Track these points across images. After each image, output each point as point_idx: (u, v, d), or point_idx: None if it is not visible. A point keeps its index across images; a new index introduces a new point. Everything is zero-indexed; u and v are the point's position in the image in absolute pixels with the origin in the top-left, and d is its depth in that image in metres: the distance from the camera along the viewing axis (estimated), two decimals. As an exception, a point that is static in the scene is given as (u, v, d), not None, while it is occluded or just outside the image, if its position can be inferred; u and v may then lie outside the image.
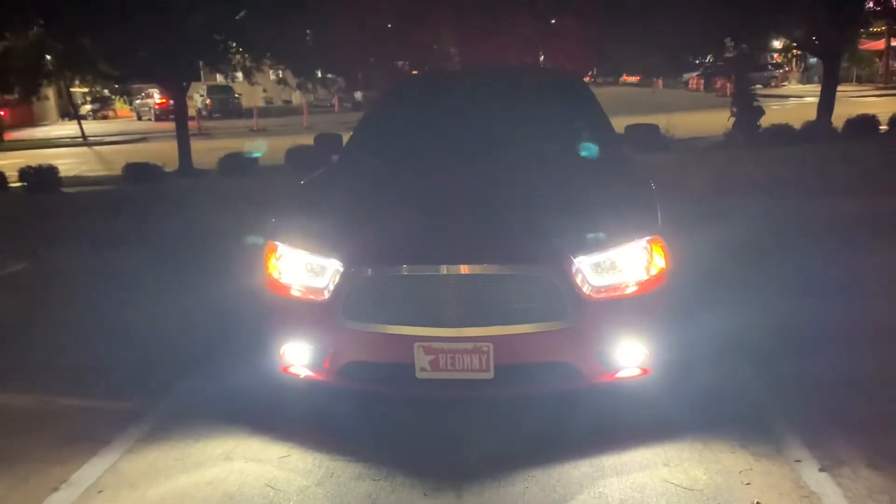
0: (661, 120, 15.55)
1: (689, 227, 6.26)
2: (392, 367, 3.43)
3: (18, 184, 13.49)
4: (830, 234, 6.93)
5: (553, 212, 3.61)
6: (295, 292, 3.57)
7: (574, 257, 3.33)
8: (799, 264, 5.99)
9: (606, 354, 3.41)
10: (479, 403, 3.67)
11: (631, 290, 3.43)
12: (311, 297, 3.50)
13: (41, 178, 13.28)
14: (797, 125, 14.58)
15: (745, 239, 6.57)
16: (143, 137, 27.96)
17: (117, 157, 18.14)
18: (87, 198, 12.26)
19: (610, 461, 3.24)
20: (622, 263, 3.44)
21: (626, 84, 50.87)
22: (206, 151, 15.86)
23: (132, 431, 3.66)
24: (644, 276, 3.45)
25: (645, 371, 3.48)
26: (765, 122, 15.28)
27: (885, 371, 4.01)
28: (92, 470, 3.33)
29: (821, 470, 3.11)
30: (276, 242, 3.64)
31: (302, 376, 3.62)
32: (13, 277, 6.89)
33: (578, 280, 3.32)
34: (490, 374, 3.32)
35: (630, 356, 3.43)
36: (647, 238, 3.47)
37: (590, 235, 3.43)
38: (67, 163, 18.68)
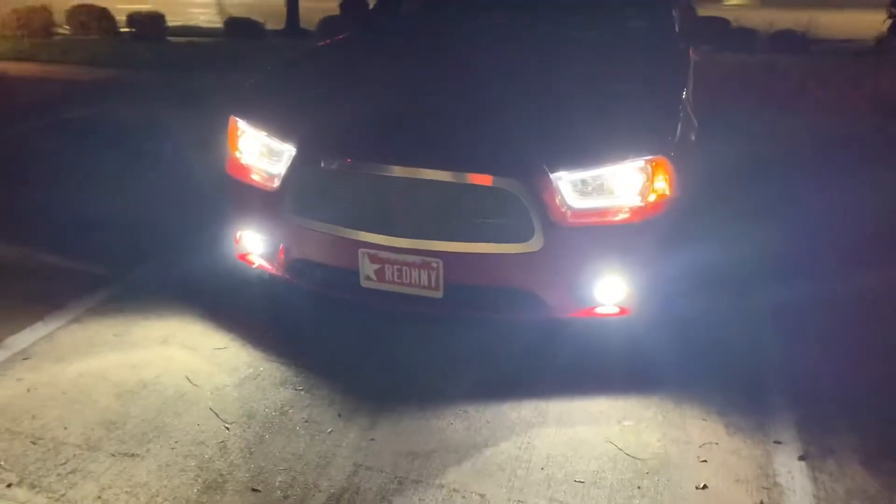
0: (804, 15, 13.98)
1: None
2: (338, 271, 3.11)
3: (127, 29, 13.71)
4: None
5: (544, 116, 3.08)
6: (254, 176, 3.26)
7: (551, 172, 2.83)
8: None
9: (579, 288, 2.95)
10: (427, 322, 3.31)
11: (621, 217, 2.91)
12: (267, 183, 3.18)
13: (148, 26, 13.45)
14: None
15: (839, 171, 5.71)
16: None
17: (241, 10, 18.17)
18: (183, 49, 12.27)
19: (557, 409, 2.85)
20: (613, 185, 2.90)
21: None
22: (323, 11, 15.40)
23: (87, 299, 3.56)
24: (638, 203, 2.91)
25: (623, 310, 3.01)
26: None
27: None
28: (30, 335, 3.24)
29: (800, 458, 2.60)
30: (238, 118, 3.31)
31: (255, 266, 3.37)
32: (69, 123, 6.92)
33: (555, 199, 2.83)
34: (439, 294, 2.95)
35: (608, 292, 2.96)
36: (647, 157, 2.89)
37: (576, 147, 2.90)
38: (196, 11, 18.96)
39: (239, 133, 3.31)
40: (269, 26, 14.92)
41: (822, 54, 12.96)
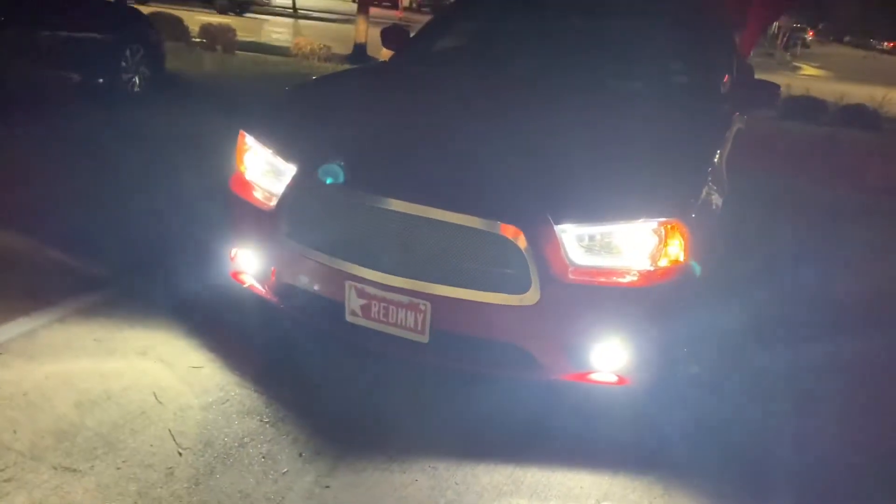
0: (879, 92, 13.55)
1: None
2: (324, 301, 2.96)
3: (199, 40, 14.06)
4: None
5: (559, 165, 2.90)
6: (255, 193, 3.15)
7: (556, 223, 2.65)
8: None
9: (575, 349, 2.74)
10: (413, 367, 3.12)
11: (627, 279, 2.71)
12: (265, 202, 3.07)
13: (218, 38, 13.78)
14: None
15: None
16: (348, 18, 28.37)
17: (309, 32, 18.63)
18: (258, 64, 12.45)
19: (535, 478, 2.62)
20: (621, 244, 2.71)
21: (882, 50, 47.49)
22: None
23: (81, 299, 3.47)
24: (647, 266, 2.70)
25: (623, 380, 2.78)
26: None
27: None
28: (10, 331, 3.15)
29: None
30: (246, 133, 3.22)
31: (246, 286, 3.25)
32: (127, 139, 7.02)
33: (557, 253, 2.64)
34: (425, 338, 2.77)
35: (606, 359, 2.74)
36: (661, 220, 2.69)
37: (586, 201, 2.72)
38: (275, 31, 19.53)
39: (246, 148, 3.21)
40: (337, 51, 15.15)
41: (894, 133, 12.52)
